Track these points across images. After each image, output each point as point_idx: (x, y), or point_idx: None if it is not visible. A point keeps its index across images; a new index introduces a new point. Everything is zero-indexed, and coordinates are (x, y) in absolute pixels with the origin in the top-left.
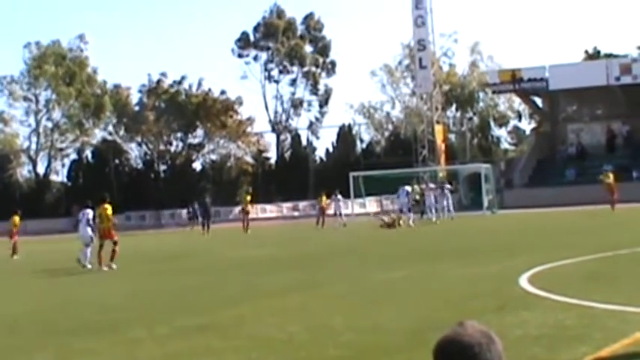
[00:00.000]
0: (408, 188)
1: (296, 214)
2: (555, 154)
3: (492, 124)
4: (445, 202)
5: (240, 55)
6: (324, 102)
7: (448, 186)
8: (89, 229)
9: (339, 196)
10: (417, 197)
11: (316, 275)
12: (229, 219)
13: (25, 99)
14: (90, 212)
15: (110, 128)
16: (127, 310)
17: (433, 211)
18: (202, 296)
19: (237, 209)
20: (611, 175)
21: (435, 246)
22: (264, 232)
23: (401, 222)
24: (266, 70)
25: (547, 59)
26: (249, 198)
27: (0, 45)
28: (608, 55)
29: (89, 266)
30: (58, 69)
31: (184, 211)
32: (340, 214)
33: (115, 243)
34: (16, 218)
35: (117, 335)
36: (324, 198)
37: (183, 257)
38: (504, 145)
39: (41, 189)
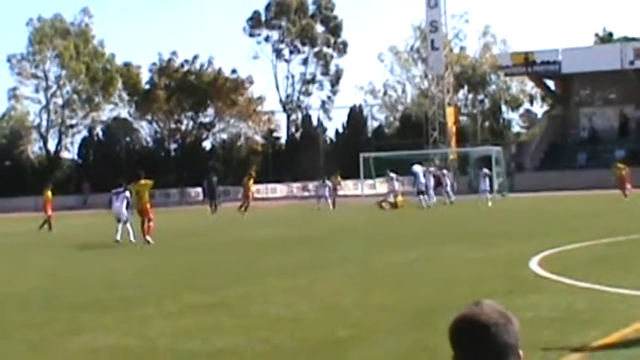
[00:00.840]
0: (418, 168)
1: (306, 194)
2: (567, 138)
3: (504, 106)
4: (447, 186)
5: (251, 35)
6: (335, 82)
7: (445, 171)
8: (124, 207)
9: (327, 181)
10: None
11: (325, 255)
12: (239, 198)
13: (35, 76)
14: (126, 192)
15: (120, 105)
16: (137, 286)
17: (431, 193)
18: (211, 274)
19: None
20: (623, 166)
21: (445, 228)
22: (272, 213)
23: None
24: (277, 49)
25: (558, 42)
26: (251, 182)
27: (9, 24)
28: (621, 39)
29: (120, 240)
30: (64, 43)
31: (193, 190)
32: (326, 198)
33: (149, 220)
34: (49, 193)
35: (127, 311)
36: (338, 178)
37: (193, 236)
38: (516, 129)
39: (52, 166)
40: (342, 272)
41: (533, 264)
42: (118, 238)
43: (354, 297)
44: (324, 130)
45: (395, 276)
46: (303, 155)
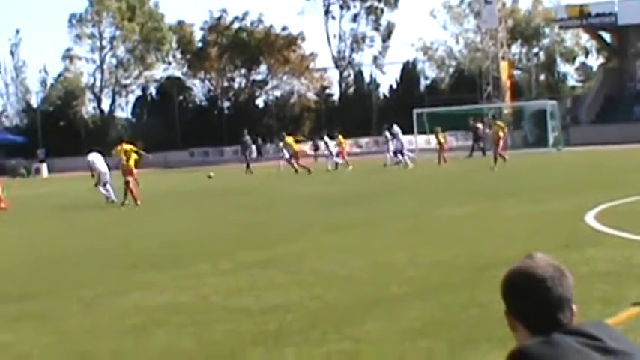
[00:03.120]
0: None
1: (358, 150)
2: (623, 91)
3: (558, 60)
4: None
5: None
6: (386, 37)
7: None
8: (106, 168)
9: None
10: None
11: (378, 212)
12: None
13: (92, 36)
14: (99, 155)
15: (173, 64)
16: (190, 244)
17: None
18: (264, 232)
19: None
20: None
21: (499, 183)
22: (323, 169)
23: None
24: (327, 4)
25: None
26: (290, 140)
27: None
28: None
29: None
30: (120, 4)
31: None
32: (331, 155)
33: (127, 182)
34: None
35: (180, 269)
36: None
37: (245, 193)
38: (571, 82)
39: (106, 125)
40: (394, 228)
41: (589, 218)
42: (114, 199)
43: (407, 253)
44: (377, 86)
45: (449, 231)
46: (356, 112)
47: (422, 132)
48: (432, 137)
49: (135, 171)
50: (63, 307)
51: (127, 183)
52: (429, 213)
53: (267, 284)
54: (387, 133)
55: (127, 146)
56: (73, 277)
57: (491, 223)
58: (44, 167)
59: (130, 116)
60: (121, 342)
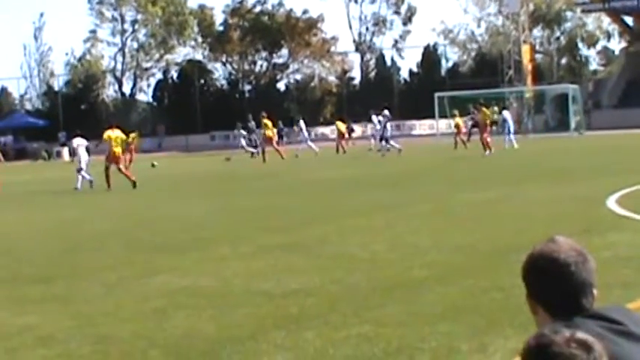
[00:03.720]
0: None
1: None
2: None
3: (580, 44)
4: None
5: None
6: (407, 21)
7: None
8: (86, 155)
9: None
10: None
11: (400, 195)
12: (312, 139)
13: (113, 19)
14: (83, 140)
15: (195, 48)
16: (211, 228)
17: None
18: (285, 215)
19: (322, 130)
20: None
21: (521, 167)
22: (349, 153)
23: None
24: None
25: None
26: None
27: None
28: None
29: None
30: None
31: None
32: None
33: (119, 169)
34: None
35: (202, 252)
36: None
37: (267, 177)
38: (593, 66)
39: (127, 109)
40: (417, 212)
41: (611, 202)
42: (78, 187)
43: (429, 237)
44: (398, 70)
45: (471, 215)
46: (377, 96)
47: (443, 116)
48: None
49: (122, 157)
50: (85, 290)
51: (106, 169)
52: (452, 197)
53: (288, 268)
54: (379, 118)
55: (114, 132)
56: (95, 261)
57: (512, 207)
58: (65, 151)
59: (151, 100)
60: (142, 325)
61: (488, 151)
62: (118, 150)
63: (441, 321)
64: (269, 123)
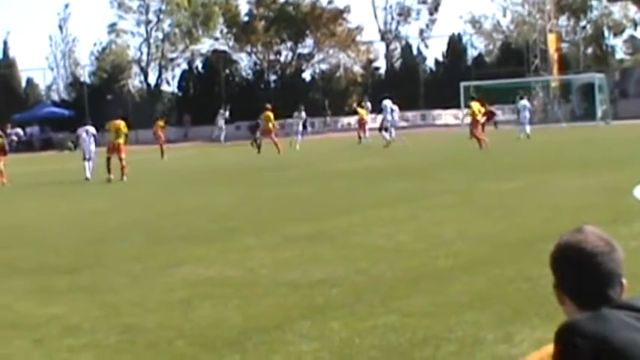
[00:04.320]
0: (527, 103)
1: (405, 124)
2: None
3: (607, 32)
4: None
5: None
6: (433, 10)
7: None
8: (92, 145)
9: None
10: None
11: (426, 186)
12: (338, 129)
13: (136, 10)
14: (92, 128)
15: (220, 38)
16: (236, 218)
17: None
18: (311, 206)
19: (347, 120)
20: None
21: (546, 157)
22: (373, 143)
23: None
24: None
25: None
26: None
27: None
28: None
29: (90, 178)
30: None
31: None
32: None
33: (121, 159)
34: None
35: (227, 242)
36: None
37: (291, 167)
38: (619, 55)
39: (152, 99)
40: (442, 202)
41: (638, 192)
42: (88, 175)
43: (455, 227)
44: (424, 59)
45: (496, 205)
46: (402, 85)
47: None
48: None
49: (123, 148)
50: (111, 280)
51: (108, 159)
52: (477, 187)
53: (313, 258)
54: (392, 106)
55: (118, 123)
56: (120, 251)
57: (538, 196)
58: None
59: (176, 90)
60: (168, 315)
61: (484, 144)
62: (118, 141)
63: (467, 311)
64: (271, 115)
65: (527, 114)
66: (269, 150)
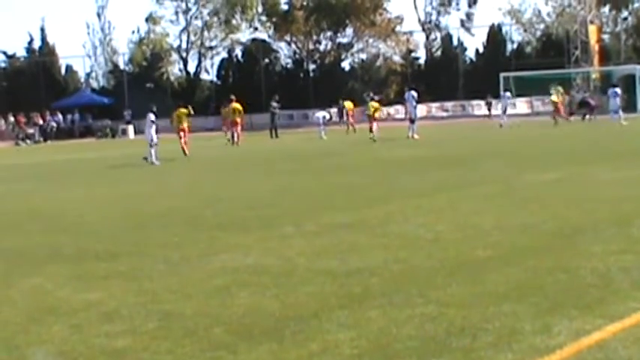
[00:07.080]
0: (618, 90)
1: (444, 114)
2: None
3: None
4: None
5: None
6: (472, 1)
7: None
8: (153, 131)
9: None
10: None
11: (465, 175)
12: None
13: None
14: (152, 116)
15: (259, 27)
16: (274, 206)
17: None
18: (349, 194)
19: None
20: None
21: (589, 148)
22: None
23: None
24: None
25: None
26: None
27: None
28: None
29: (157, 163)
30: None
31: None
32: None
33: (184, 140)
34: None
35: (265, 231)
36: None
37: (330, 156)
38: None
39: (192, 87)
40: (481, 192)
41: None
42: (153, 160)
43: (493, 217)
44: (464, 50)
45: (535, 196)
46: (442, 76)
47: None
48: (518, 101)
49: (185, 132)
50: (149, 267)
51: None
52: (516, 177)
53: (351, 247)
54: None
55: (183, 110)
56: (159, 238)
57: (580, 188)
58: (130, 128)
59: (215, 78)
60: (206, 303)
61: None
62: (184, 125)
63: (504, 301)
64: (239, 107)
65: (617, 101)
66: (309, 139)
